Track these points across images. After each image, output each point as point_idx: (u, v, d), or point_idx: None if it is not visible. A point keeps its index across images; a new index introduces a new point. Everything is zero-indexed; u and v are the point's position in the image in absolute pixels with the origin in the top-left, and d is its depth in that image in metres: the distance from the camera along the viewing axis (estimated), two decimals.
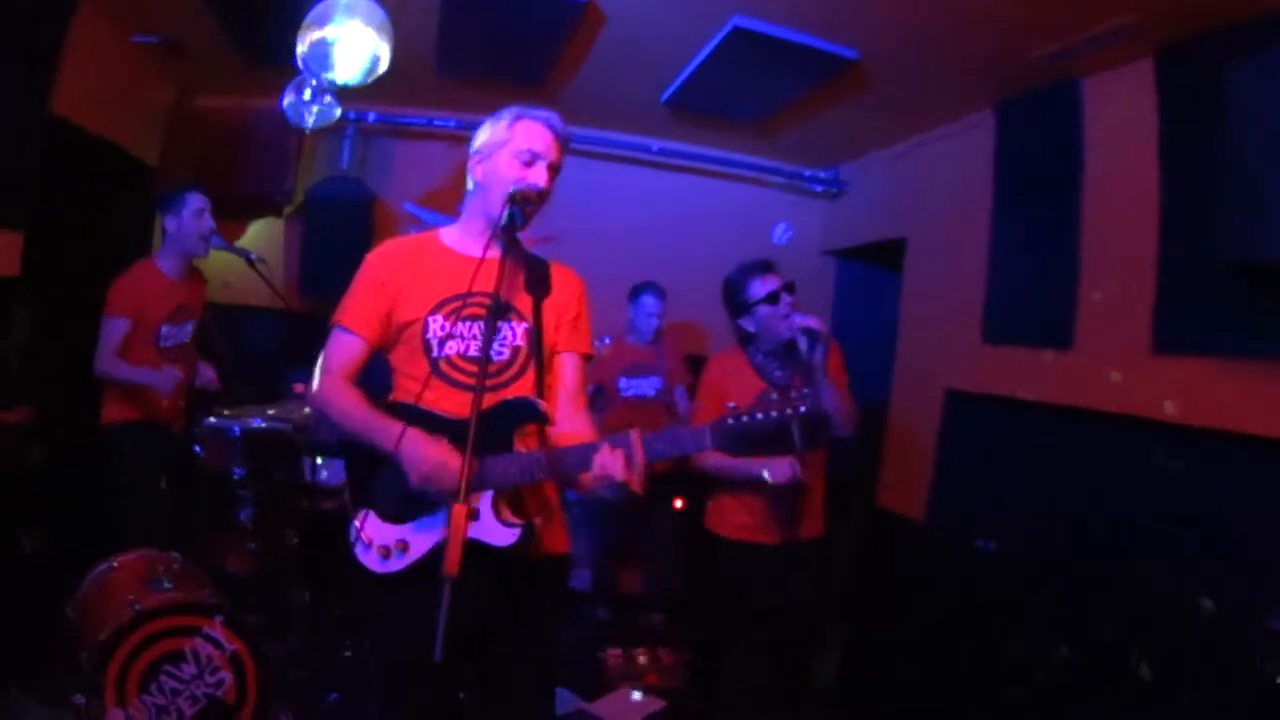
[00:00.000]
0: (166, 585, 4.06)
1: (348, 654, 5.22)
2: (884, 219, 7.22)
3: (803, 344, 4.15)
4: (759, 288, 4.42)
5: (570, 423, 3.11)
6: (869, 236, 7.49)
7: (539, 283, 3.13)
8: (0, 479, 4.80)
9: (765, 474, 4.25)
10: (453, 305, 3.02)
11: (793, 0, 4.80)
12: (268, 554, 5.30)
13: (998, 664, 5.09)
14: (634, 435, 2.75)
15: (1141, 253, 4.46)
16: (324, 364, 3.08)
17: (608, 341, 6.48)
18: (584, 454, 2.78)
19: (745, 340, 4.59)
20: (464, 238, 3.17)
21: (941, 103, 6.01)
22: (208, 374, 5.63)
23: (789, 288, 4.41)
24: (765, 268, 4.49)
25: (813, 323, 4.15)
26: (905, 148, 6.93)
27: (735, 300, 4.54)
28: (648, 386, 6.74)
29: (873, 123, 6.67)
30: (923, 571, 5.92)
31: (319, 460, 5.60)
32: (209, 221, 5.39)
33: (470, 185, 3.19)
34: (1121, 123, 4.73)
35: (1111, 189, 4.79)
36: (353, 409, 2.96)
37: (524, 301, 3.08)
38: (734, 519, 4.58)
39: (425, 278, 3.07)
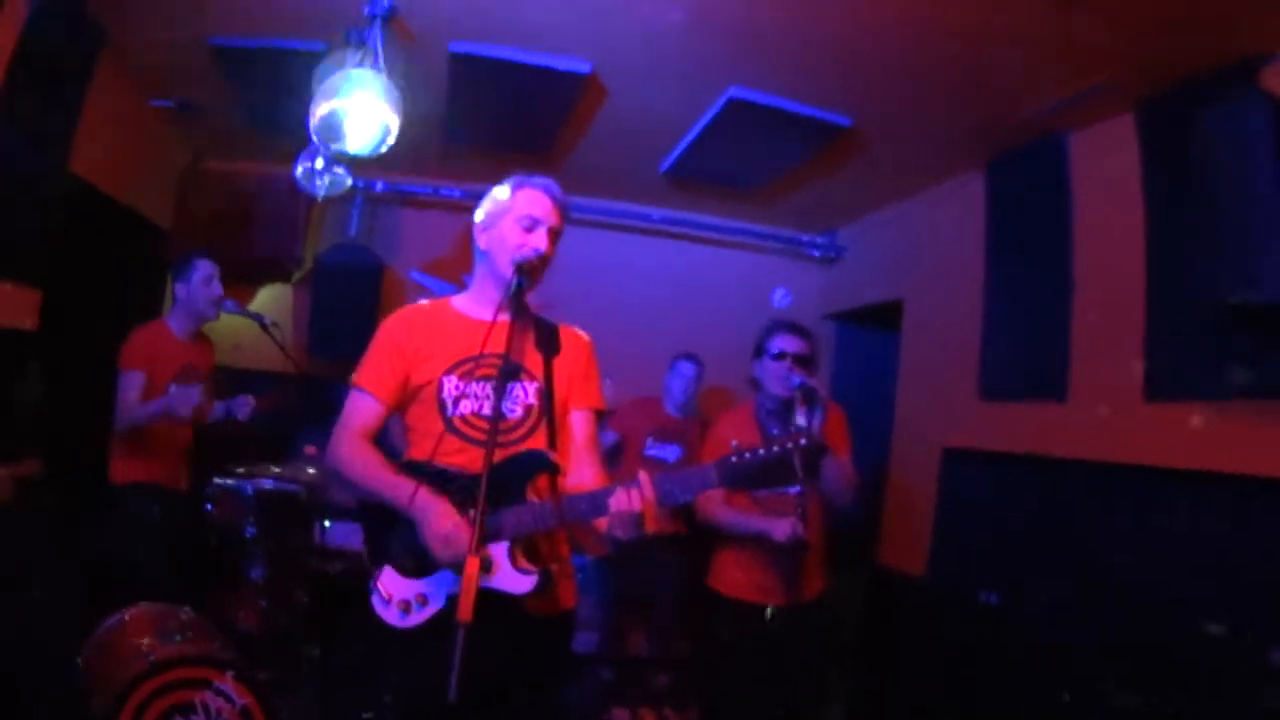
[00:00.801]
0: (179, 638, 4.11)
1: (368, 716, 5.27)
2: (881, 281, 7.32)
3: (800, 406, 4.22)
4: (776, 343, 4.55)
5: (584, 474, 3.22)
6: (867, 299, 7.58)
7: (549, 343, 3.24)
8: (11, 529, 4.86)
9: (773, 529, 4.32)
10: (466, 367, 3.12)
11: (787, 71, 4.96)
12: (278, 612, 5.34)
13: (1001, 714, 5.12)
14: (643, 476, 2.83)
15: (1130, 301, 4.57)
16: (342, 424, 3.17)
17: (609, 382, 6.56)
18: (598, 499, 2.87)
19: (753, 386, 4.70)
20: (474, 303, 3.28)
21: (933, 165, 6.16)
22: (246, 404, 5.63)
23: (802, 360, 4.50)
24: (794, 329, 4.61)
25: (812, 384, 4.23)
26: (899, 210, 7.08)
27: (756, 344, 4.67)
28: (670, 453, 6.78)
29: (867, 187, 6.82)
30: (925, 627, 5.94)
31: (328, 523, 5.66)
32: (217, 288, 5.50)
33: (477, 254, 3.30)
34: (1107, 175, 4.87)
35: (1099, 240, 4.91)
36: (369, 469, 3.05)
37: (535, 361, 3.19)
38: (734, 576, 4.63)
39: (439, 341, 3.18)
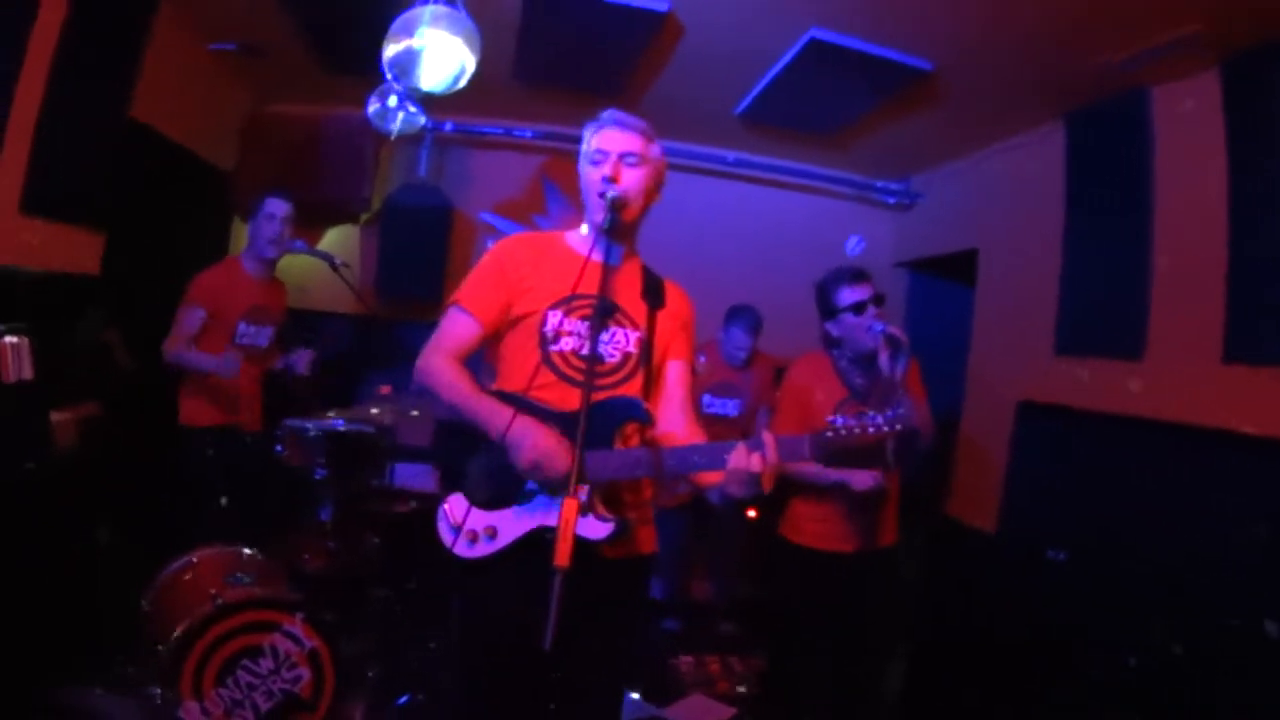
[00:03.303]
0: (246, 580, 4.15)
1: (431, 646, 5.28)
2: (956, 230, 7.21)
3: (884, 355, 4.14)
4: (847, 295, 4.43)
5: (678, 425, 3.20)
6: (941, 248, 7.49)
7: (654, 295, 3.23)
8: (73, 472, 4.88)
9: (854, 479, 4.29)
10: (575, 304, 3.08)
11: (870, 12, 4.84)
12: (346, 553, 5.35)
13: (1064, 675, 5.05)
14: (767, 437, 2.78)
15: (1212, 261, 4.45)
16: (436, 341, 3.14)
17: (703, 360, 6.49)
18: (715, 453, 2.85)
19: (830, 344, 4.60)
20: (582, 241, 3.24)
21: (1013, 114, 6.01)
22: (305, 358, 5.63)
23: (877, 300, 4.40)
24: (857, 276, 4.48)
25: (896, 332, 4.14)
26: (976, 159, 6.94)
27: (824, 304, 4.56)
28: (731, 407, 6.68)
29: (944, 134, 6.68)
30: (991, 581, 5.89)
31: (398, 464, 5.65)
32: (274, 227, 5.50)
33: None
34: (1190, 132, 4.73)
35: (1182, 198, 4.78)
36: (461, 388, 3.00)
37: (639, 310, 3.17)
38: (810, 527, 4.59)
39: (547, 273, 3.13)
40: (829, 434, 2.81)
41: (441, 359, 3.08)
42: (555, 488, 2.83)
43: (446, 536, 3.02)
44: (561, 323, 3.06)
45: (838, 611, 4.54)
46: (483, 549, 2.97)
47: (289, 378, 5.65)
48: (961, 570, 6.40)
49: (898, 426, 2.79)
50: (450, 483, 3.08)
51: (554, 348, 3.04)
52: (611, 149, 3.09)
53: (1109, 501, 5.05)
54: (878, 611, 4.67)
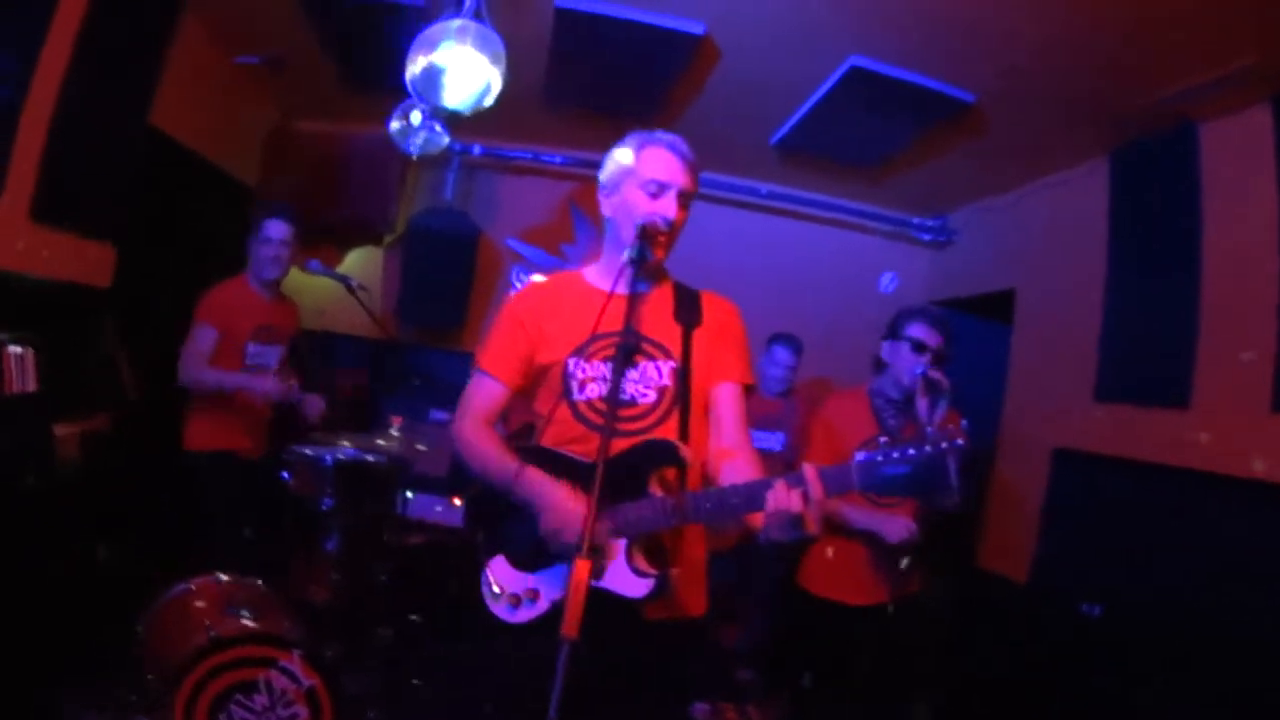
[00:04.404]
0: (244, 614, 4.03)
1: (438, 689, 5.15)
2: (993, 269, 7.08)
3: (923, 400, 4.00)
4: (918, 330, 4.36)
5: (736, 459, 2.91)
6: (977, 288, 7.33)
7: (689, 313, 3.02)
8: (76, 487, 4.80)
9: (887, 527, 4.17)
10: (596, 345, 2.92)
11: (913, 41, 4.75)
12: (352, 585, 5.23)
13: None
14: (808, 469, 2.48)
15: (1262, 306, 4.27)
16: (464, 408, 3.06)
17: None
18: (755, 491, 2.56)
19: (877, 367, 4.52)
20: (604, 274, 3.05)
21: (1055, 150, 5.88)
22: (316, 405, 5.53)
23: (939, 356, 4.31)
24: (937, 322, 4.42)
25: (938, 375, 4.04)
26: (1016, 196, 6.80)
27: (892, 325, 4.49)
28: (774, 441, 6.50)
29: (984, 169, 6.55)
30: (1021, 634, 5.71)
31: (410, 494, 5.54)
32: (273, 250, 5.39)
33: (605, 219, 3.09)
34: (1240, 169, 4.56)
35: (1230, 239, 4.61)
36: (490, 455, 2.90)
37: (672, 336, 2.96)
38: (827, 577, 4.48)
39: (566, 317, 2.99)
40: (879, 457, 2.48)
41: (470, 426, 3.00)
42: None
43: (489, 601, 2.89)
44: (584, 369, 2.91)
45: (858, 665, 4.41)
46: (525, 614, 2.82)
47: (298, 417, 5.54)
48: (991, 621, 6.21)
49: (958, 442, 2.41)
50: (491, 545, 2.95)
51: (579, 397, 2.90)
52: (673, 183, 2.91)
53: (1147, 555, 4.85)
54: (901, 664, 4.54)
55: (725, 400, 3.01)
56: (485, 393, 3.03)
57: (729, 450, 2.94)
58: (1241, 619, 4.18)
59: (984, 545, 6.49)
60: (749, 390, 3.09)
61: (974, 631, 6.38)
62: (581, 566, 2.12)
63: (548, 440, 2.90)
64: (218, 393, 5.22)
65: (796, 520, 2.45)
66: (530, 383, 3.03)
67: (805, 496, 2.44)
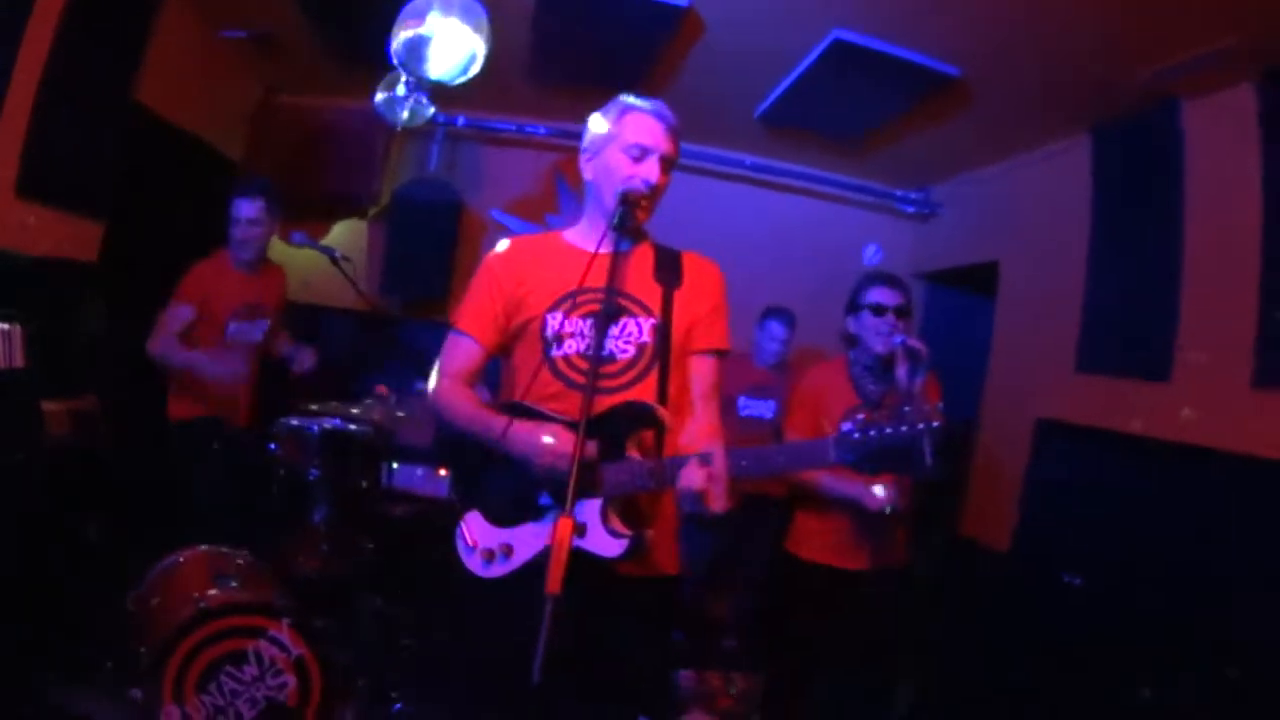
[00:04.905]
0: (233, 584, 4.03)
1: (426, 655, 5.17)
2: (976, 242, 7.11)
3: (902, 367, 4.03)
4: (873, 295, 4.36)
5: (698, 428, 2.98)
6: (960, 259, 7.37)
7: (670, 273, 3.04)
8: (67, 466, 4.80)
9: (867, 496, 4.18)
10: (574, 301, 2.94)
11: (897, 13, 4.76)
12: (340, 556, 5.25)
13: (1077, 702, 4.91)
14: (717, 450, 2.62)
15: (1242, 282, 4.33)
16: (440, 367, 3.08)
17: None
18: (668, 469, 2.69)
19: (848, 343, 4.53)
20: (585, 235, 3.07)
21: (1039, 124, 5.90)
22: (308, 359, 5.58)
23: (900, 310, 4.32)
24: (891, 280, 4.43)
25: (916, 344, 4.03)
26: (1000, 169, 6.83)
27: (850, 299, 4.50)
28: (766, 409, 6.62)
29: (968, 143, 6.58)
30: (1003, 602, 5.77)
31: (395, 465, 5.56)
32: (243, 230, 5.35)
33: (586, 183, 3.11)
34: (1222, 147, 4.61)
35: (1213, 215, 4.66)
36: (468, 411, 2.94)
37: (652, 294, 2.98)
38: (816, 541, 4.49)
39: (544, 275, 3.00)
40: (855, 435, 2.63)
41: (448, 385, 3.03)
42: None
43: (464, 556, 2.93)
44: (563, 324, 2.92)
45: (842, 629, 4.43)
46: (499, 569, 2.86)
47: (289, 371, 5.53)
48: (973, 590, 6.28)
49: (934, 424, 2.58)
50: (466, 500, 2.98)
51: (557, 352, 2.91)
52: (656, 148, 2.94)
53: (1127, 526, 4.90)
54: (884, 630, 4.56)
55: (699, 371, 3.06)
56: (462, 352, 3.04)
57: (692, 416, 3.01)
58: (1218, 589, 4.24)
59: (966, 514, 6.55)
60: (723, 355, 3.12)
61: (956, 599, 6.44)
62: (564, 523, 2.18)
63: (524, 396, 2.91)
64: (181, 368, 5.20)
65: (697, 498, 2.54)
66: (508, 342, 3.05)
67: (710, 474, 2.55)
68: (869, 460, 2.65)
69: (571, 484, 2.29)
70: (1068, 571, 5.17)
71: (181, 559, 4.30)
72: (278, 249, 5.67)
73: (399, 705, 4.76)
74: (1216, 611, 4.23)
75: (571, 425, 2.70)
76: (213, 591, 3.92)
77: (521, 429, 2.73)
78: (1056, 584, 5.21)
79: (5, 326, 4.16)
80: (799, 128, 6.73)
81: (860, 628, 4.42)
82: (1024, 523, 5.78)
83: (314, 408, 5.35)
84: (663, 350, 2.93)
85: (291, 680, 3.87)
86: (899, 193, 7.92)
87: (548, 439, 2.68)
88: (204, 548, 4.40)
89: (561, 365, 2.91)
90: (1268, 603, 4.00)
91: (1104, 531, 5.04)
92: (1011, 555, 5.81)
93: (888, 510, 4.14)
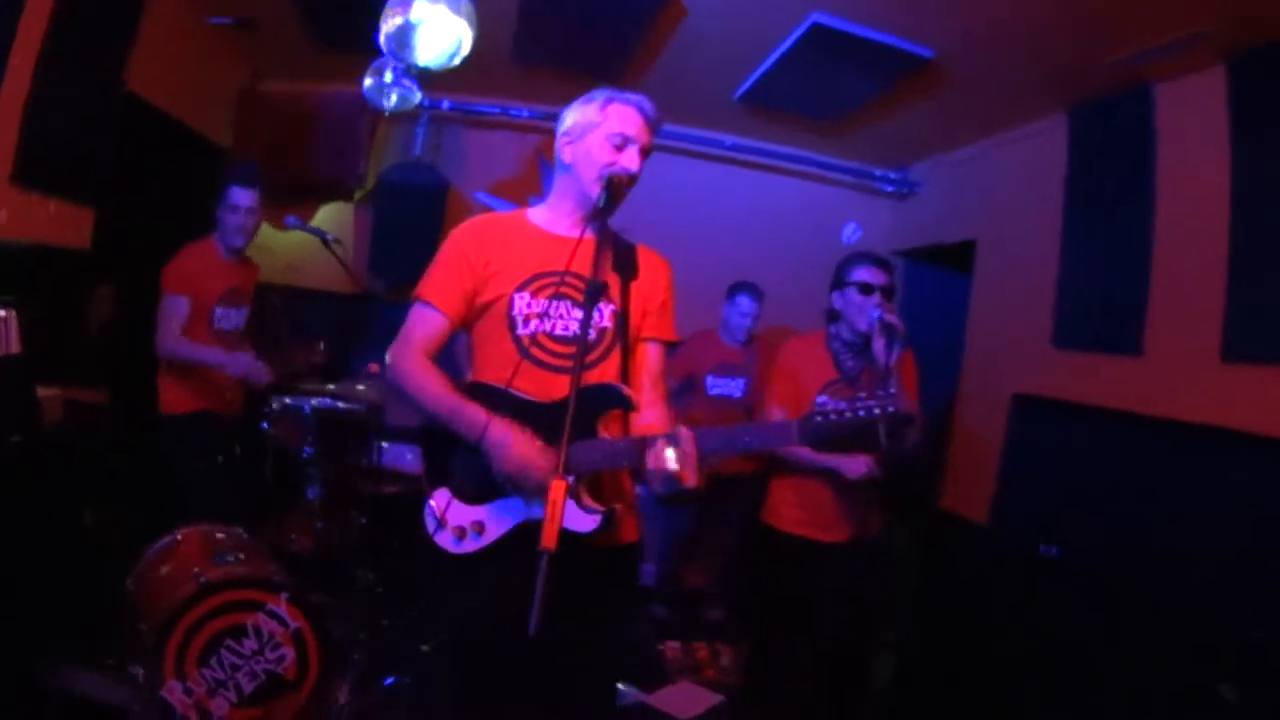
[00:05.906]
0: (231, 560, 4.09)
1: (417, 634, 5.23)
2: (954, 220, 7.17)
3: (879, 342, 4.11)
4: (860, 273, 4.43)
5: (650, 412, 3.08)
6: (938, 238, 7.43)
7: (626, 265, 3.12)
8: (69, 454, 4.82)
9: (846, 464, 4.28)
10: (543, 283, 3.00)
11: None
12: (333, 533, 5.30)
13: (1052, 672, 5.02)
14: (684, 430, 2.73)
15: (1212, 259, 4.42)
16: (404, 338, 3.06)
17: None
18: (634, 450, 2.79)
19: (830, 318, 4.60)
20: (553, 218, 3.14)
21: (1015, 105, 5.97)
22: (261, 374, 5.37)
23: (886, 290, 4.41)
24: (879, 261, 4.51)
25: (893, 319, 4.11)
26: (977, 150, 6.90)
27: (836, 275, 4.57)
28: (734, 388, 6.66)
29: (945, 124, 6.65)
30: (984, 574, 5.87)
31: (385, 444, 5.61)
32: (239, 218, 5.37)
33: (558, 166, 3.15)
34: (1194, 129, 4.70)
35: (1183, 195, 4.75)
36: (433, 388, 2.94)
37: (612, 283, 3.05)
38: (793, 513, 4.58)
39: (514, 255, 3.04)
40: (818, 418, 2.75)
41: (409, 357, 3.03)
42: (533, 497, 2.77)
43: (435, 533, 2.97)
44: (529, 304, 2.99)
45: (822, 600, 4.53)
46: (470, 545, 2.92)
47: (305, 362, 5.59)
48: (952, 562, 6.38)
49: (890, 409, 2.71)
50: (435, 478, 3.03)
51: (523, 331, 2.98)
52: (638, 139, 3.02)
53: (1103, 498, 5.02)
54: (863, 601, 4.67)
55: (650, 357, 3.17)
56: (427, 323, 3.04)
57: (647, 405, 3.10)
58: (1191, 560, 4.35)
59: (945, 487, 6.63)
60: (670, 346, 3.26)
61: (935, 571, 6.55)
62: (558, 485, 2.26)
63: (488, 375, 2.98)
64: (195, 364, 5.23)
65: (669, 478, 2.67)
66: (472, 315, 3.07)
67: (681, 453, 2.68)
68: (828, 442, 2.82)
69: (564, 446, 2.38)
70: (1045, 542, 5.27)
71: (179, 537, 4.36)
72: (266, 232, 5.71)
73: (393, 679, 4.81)
74: (1188, 578, 4.33)
75: (547, 409, 2.82)
76: (212, 567, 3.97)
77: (497, 433, 2.76)
78: (1034, 554, 5.31)
79: (1, 312, 4.15)
80: (777, 109, 6.79)
81: (839, 597, 4.51)
82: (1002, 495, 5.88)
83: (306, 387, 5.40)
84: (621, 336, 3.04)
85: (290, 653, 3.94)
86: (878, 172, 7.97)
87: (521, 452, 2.73)
88: (199, 526, 4.46)
89: (528, 344, 2.96)
90: (1235, 567, 4.12)
91: (1080, 503, 5.15)
92: (990, 528, 5.91)
93: (867, 479, 4.25)
